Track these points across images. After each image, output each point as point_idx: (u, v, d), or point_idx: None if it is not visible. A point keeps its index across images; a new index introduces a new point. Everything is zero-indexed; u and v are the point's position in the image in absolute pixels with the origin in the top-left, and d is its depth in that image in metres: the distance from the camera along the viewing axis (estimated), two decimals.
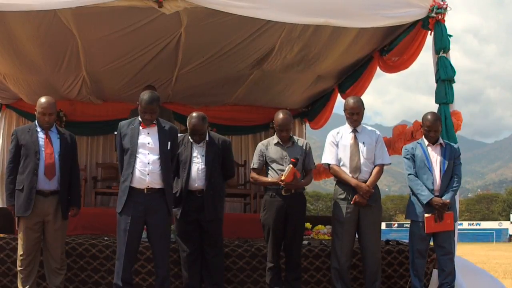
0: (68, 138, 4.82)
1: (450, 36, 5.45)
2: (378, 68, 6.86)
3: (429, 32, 5.55)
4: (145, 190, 4.52)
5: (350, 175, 4.89)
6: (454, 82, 5.46)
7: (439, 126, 4.97)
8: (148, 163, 4.53)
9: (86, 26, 6.01)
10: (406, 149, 5.10)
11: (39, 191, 4.60)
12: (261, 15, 5.27)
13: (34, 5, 4.88)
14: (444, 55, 5.45)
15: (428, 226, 4.79)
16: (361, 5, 5.33)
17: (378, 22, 5.51)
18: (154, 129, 4.63)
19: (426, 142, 4.99)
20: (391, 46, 6.36)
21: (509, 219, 66.51)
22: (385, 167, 5.03)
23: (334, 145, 5.02)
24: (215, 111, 8.63)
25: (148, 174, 4.52)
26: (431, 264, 5.32)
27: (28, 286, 4.60)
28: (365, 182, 4.86)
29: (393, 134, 6.61)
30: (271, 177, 4.94)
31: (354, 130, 5.00)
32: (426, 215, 4.80)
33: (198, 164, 4.93)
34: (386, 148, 5.13)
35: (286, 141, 4.99)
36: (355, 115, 4.96)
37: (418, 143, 5.05)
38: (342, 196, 4.90)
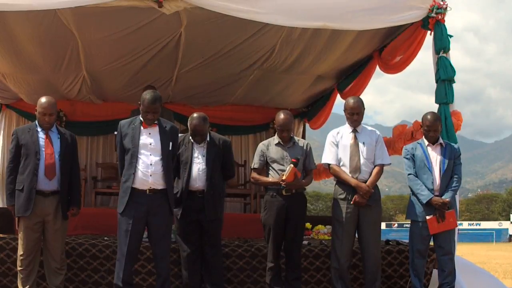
0: (68, 138, 4.81)
1: (450, 36, 5.46)
2: (378, 68, 6.87)
3: (429, 32, 5.56)
4: (148, 191, 4.51)
5: (350, 175, 4.89)
6: (454, 82, 5.47)
7: (439, 126, 4.97)
8: (151, 164, 4.52)
9: (86, 26, 6.02)
10: (406, 149, 5.11)
11: (39, 191, 4.59)
12: (260, 18, 5.29)
13: (34, 5, 4.88)
14: (444, 55, 5.46)
15: (432, 228, 4.79)
16: (360, 9, 5.32)
17: (377, 24, 5.52)
18: (156, 129, 4.62)
19: (426, 142, 4.99)
20: (386, 44, 6.39)
21: (509, 219, 66.50)
22: (385, 167, 5.03)
23: (334, 145, 5.02)
24: (215, 111, 8.63)
25: (150, 175, 4.51)
26: (431, 264, 5.32)
27: (28, 286, 4.59)
28: (365, 182, 4.85)
29: (393, 134, 6.61)
30: (272, 177, 4.94)
31: (354, 130, 5.00)
32: (427, 217, 4.80)
33: (199, 165, 4.93)
34: (386, 148, 5.12)
35: (287, 141, 4.99)
36: (355, 115, 4.96)
37: (418, 143, 5.05)
38: (342, 196, 4.90)
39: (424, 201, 4.82)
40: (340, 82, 7.97)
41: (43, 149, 4.65)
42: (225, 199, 5.72)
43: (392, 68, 6.53)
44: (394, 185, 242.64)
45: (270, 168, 4.99)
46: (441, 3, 5.43)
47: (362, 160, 4.91)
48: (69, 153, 4.78)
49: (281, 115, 4.95)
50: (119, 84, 7.90)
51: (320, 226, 6.86)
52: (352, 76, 7.52)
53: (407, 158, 5.02)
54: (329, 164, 5.03)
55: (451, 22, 5.57)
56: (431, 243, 4.94)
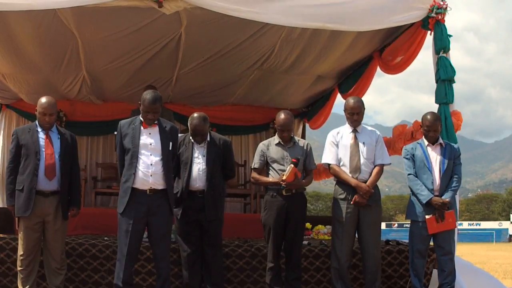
0: (68, 138, 4.81)
1: (450, 36, 5.46)
2: (379, 68, 6.86)
3: (429, 32, 5.56)
4: (148, 191, 4.51)
5: (350, 175, 4.89)
6: (454, 82, 5.47)
7: (439, 126, 4.97)
8: (151, 165, 4.52)
9: (86, 26, 6.02)
10: (406, 149, 5.11)
11: (39, 191, 4.59)
12: (260, 18, 5.30)
13: (33, 4, 4.88)
14: (444, 55, 5.46)
15: (431, 227, 4.79)
16: (360, 10, 5.32)
17: (377, 25, 5.52)
18: (156, 130, 4.62)
19: (426, 142, 4.99)
20: (387, 44, 6.39)
21: (509, 219, 66.50)
22: (385, 167, 5.03)
23: (334, 145, 5.02)
24: (215, 111, 8.62)
25: (151, 175, 4.51)
26: (431, 264, 5.32)
27: (28, 286, 4.59)
28: (365, 182, 4.85)
29: (393, 134, 6.61)
30: (272, 177, 4.94)
31: (354, 130, 5.00)
32: (427, 216, 4.80)
33: (199, 165, 4.94)
34: (386, 148, 5.13)
35: (287, 141, 4.99)
36: (355, 115, 4.96)
37: (418, 143, 5.05)
38: (342, 196, 4.90)
39: (424, 201, 4.82)
40: (341, 84, 7.97)
41: (43, 149, 4.64)
42: (225, 199, 5.72)
43: (393, 68, 6.52)
44: (394, 185, 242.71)
45: (270, 168, 4.99)
46: (441, 3, 5.42)
47: (362, 160, 4.91)
48: (69, 153, 4.78)
49: (282, 115, 4.95)
50: (119, 84, 7.90)
51: (320, 226, 6.86)
52: (353, 77, 7.52)
53: (407, 158, 5.02)
54: (329, 164, 5.03)
55: (451, 22, 5.57)
56: (431, 243, 4.95)
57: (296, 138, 5.15)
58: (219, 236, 5.03)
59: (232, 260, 5.34)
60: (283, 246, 4.97)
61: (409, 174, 4.96)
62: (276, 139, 5.05)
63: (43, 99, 4.72)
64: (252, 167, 5.14)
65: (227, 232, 5.32)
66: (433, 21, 5.45)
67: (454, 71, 5.44)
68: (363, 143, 4.96)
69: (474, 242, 47.72)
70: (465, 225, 62.37)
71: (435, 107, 5.42)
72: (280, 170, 4.88)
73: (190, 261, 4.94)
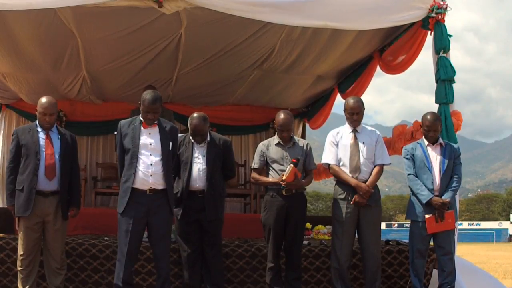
0: (68, 139, 4.82)
1: (450, 36, 5.46)
2: (378, 67, 6.87)
3: (429, 32, 5.56)
4: (148, 191, 4.51)
5: (350, 175, 4.89)
6: (454, 82, 5.47)
7: (439, 126, 4.97)
8: (151, 165, 4.52)
9: (87, 26, 6.02)
10: (406, 149, 5.11)
11: (39, 191, 4.59)
12: (261, 17, 5.29)
13: (33, 4, 4.88)
14: (444, 55, 5.47)
15: (430, 227, 4.79)
16: (361, 9, 5.33)
17: (377, 24, 5.53)
18: (156, 130, 4.62)
19: (426, 142, 5.00)
20: (388, 45, 6.39)
21: (509, 219, 66.52)
22: (385, 167, 5.04)
23: (334, 145, 5.02)
24: (215, 111, 8.62)
25: (151, 175, 4.51)
26: (431, 264, 5.32)
27: (28, 286, 4.60)
28: (365, 182, 4.86)
29: (393, 134, 6.61)
30: (272, 177, 4.94)
31: (354, 130, 5.00)
32: (426, 216, 4.80)
33: (199, 165, 4.94)
34: (386, 148, 5.13)
35: (287, 142, 4.99)
36: (355, 115, 4.96)
37: (418, 143, 5.06)
38: (342, 196, 4.90)
39: (424, 201, 4.82)
40: (341, 83, 7.97)
41: (43, 149, 4.64)
42: (225, 199, 5.73)
43: (394, 69, 6.52)
44: (394, 185, 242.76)
45: (270, 168, 4.99)
46: (441, 3, 5.43)
47: (362, 160, 4.91)
48: (69, 154, 4.78)
49: (281, 115, 4.95)
50: (119, 84, 7.90)
51: (320, 226, 6.85)
52: (352, 77, 7.52)
53: (407, 158, 5.02)
54: (329, 164, 5.03)
55: (451, 22, 5.57)
56: (431, 243, 4.95)
57: (296, 138, 5.15)
58: (219, 236, 5.03)
59: (232, 260, 5.34)
60: (283, 246, 4.97)
61: (409, 174, 4.96)
62: (276, 139, 5.05)
63: (43, 99, 4.72)
64: (252, 167, 5.14)
65: (227, 232, 5.32)
66: (433, 21, 5.46)
67: (454, 71, 5.45)
68: (363, 143, 4.96)
69: (474, 242, 47.72)
70: (465, 225, 62.36)
71: (435, 107, 5.43)
72: (280, 170, 4.88)
73: (190, 261, 4.94)
